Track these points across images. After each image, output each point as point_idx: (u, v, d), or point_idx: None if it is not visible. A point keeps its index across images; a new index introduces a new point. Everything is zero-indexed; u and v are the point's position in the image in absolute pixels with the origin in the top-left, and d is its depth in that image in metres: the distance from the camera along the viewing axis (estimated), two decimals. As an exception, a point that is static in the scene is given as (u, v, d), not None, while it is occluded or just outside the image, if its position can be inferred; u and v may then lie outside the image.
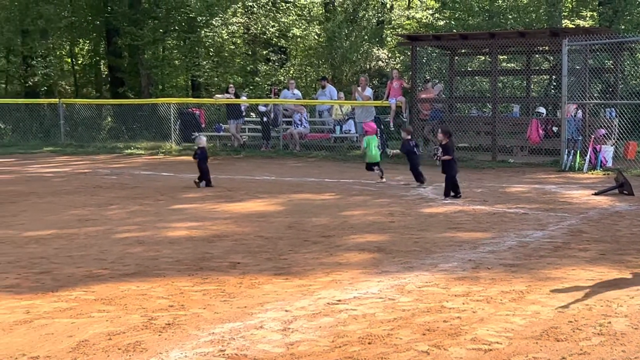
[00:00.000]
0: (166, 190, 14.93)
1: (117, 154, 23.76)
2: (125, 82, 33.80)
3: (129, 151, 23.95)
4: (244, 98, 25.72)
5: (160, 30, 32.02)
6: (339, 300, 6.82)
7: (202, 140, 16.30)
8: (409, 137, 15.94)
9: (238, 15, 30.69)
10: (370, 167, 16.33)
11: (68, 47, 40.28)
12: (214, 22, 30.16)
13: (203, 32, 30.66)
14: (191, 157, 16.12)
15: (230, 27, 30.40)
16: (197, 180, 15.47)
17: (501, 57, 23.76)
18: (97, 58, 40.38)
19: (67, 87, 40.50)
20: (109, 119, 29.05)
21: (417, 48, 21.48)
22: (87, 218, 11.77)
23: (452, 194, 13.69)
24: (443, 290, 7.19)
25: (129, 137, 26.51)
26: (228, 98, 24.63)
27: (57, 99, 28.30)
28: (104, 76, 41.18)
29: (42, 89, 35.19)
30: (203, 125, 25.95)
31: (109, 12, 33.64)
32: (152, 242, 9.74)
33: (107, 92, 38.14)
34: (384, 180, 16.21)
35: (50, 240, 9.93)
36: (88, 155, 23.59)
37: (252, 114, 26.25)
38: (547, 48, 21.83)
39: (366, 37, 30.32)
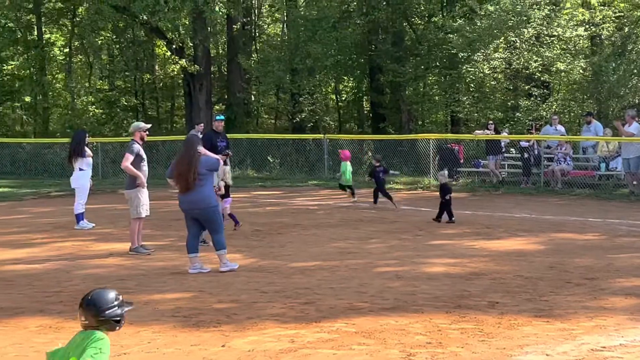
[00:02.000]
0: (424, 226, 15.04)
1: (377, 188, 24.23)
2: (387, 118, 34.44)
3: (388, 186, 24.32)
4: (504, 134, 25.37)
5: (422, 67, 32.40)
6: (604, 347, 6.53)
7: (439, 175, 16.49)
8: (378, 164, 18.95)
9: (500, 50, 30.40)
10: (342, 187, 19.83)
11: (333, 85, 41.78)
12: (475, 57, 30.07)
13: (464, 67, 30.65)
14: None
15: (492, 62, 30.17)
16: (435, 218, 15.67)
17: None
18: (360, 95, 41.51)
19: (331, 123, 41.95)
20: (370, 154, 29.70)
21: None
22: (348, 251, 12.11)
23: None
24: None
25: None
26: (488, 134, 24.42)
27: (322, 135, 29.36)
28: (365, 112, 42.27)
29: (308, 125, 36.69)
30: (461, 161, 25.87)
31: (373, 50, 34.52)
32: (410, 277, 9.84)
33: (369, 127, 39.05)
34: (355, 199, 19.51)
35: (313, 272, 10.32)
36: (350, 189, 24.25)
37: (512, 149, 25.83)
38: None
39: (635, 70, 28.93)
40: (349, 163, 19.96)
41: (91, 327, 4.37)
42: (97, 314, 4.35)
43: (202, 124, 19.99)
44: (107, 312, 4.37)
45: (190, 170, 10.22)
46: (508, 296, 8.64)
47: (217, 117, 16.98)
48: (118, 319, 4.42)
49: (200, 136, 18.49)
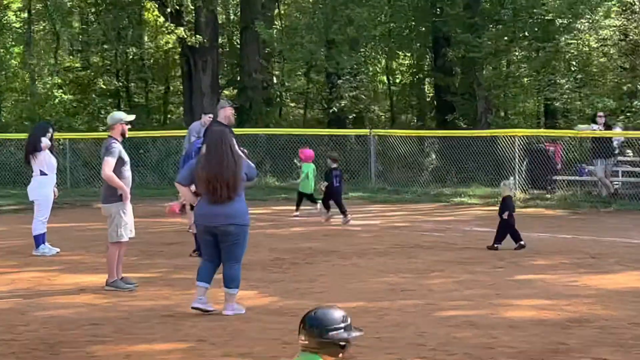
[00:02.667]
0: (506, 254, 14.94)
1: (443, 202, 24.13)
2: (456, 108, 34.21)
3: (459, 199, 24.24)
4: (618, 130, 25.19)
5: (505, 38, 32.20)
6: None
7: (502, 185, 16.34)
8: (335, 165, 20.17)
9: (612, 15, 30.22)
10: (311, 198, 21.20)
11: (384, 62, 41.66)
12: (578, 25, 29.90)
13: (563, 39, 30.45)
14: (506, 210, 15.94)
15: (600, 32, 29.99)
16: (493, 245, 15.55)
17: None
18: (421, 75, 41.35)
19: (380, 114, 41.83)
20: (433, 156, 29.58)
21: None
22: (401, 288, 12.07)
23: None
24: None
25: (459, 180, 26.82)
26: (595, 130, 24.25)
27: (368, 129, 29.31)
28: (428, 99, 42.12)
29: (350, 116, 36.57)
30: (559, 166, 25.71)
31: (438, 15, 34.37)
32: (486, 324, 9.78)
33: (432, 120, 38.91)
34: (297, 214, 20.96)
35: (354, 316, 10.16)
36: (405, 203, 24.12)
37: (628, 151, 25.62)
38: None
39: None
40: (312, 165, 21.06)
41: (311, 349, 4.97)
42: (320, 335, 4.94)
43: (211, 115, 19.68)
44: (331, 333, 4.93)
45: (235, 173, 10.20)
46: (620, 351, 8.56)
47: (226, 104, 16.77)
48: (343, 343, 4.95)
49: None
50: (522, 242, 15.41)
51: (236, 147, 10.64)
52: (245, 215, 10.46)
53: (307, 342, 4.94)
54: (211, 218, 10.31)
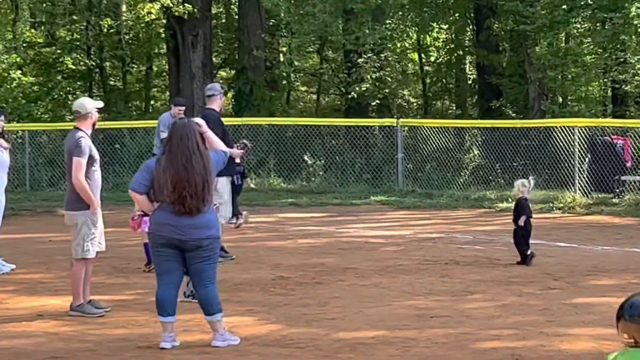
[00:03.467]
0: (562, 272, 14.89)
1: (486, 208, 24.04)
2: (503, 92, 34.17)
3: (505, 205, 24.13)
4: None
5: (563, 7, 32.10)
6: None
7: (521, 185, 16.26)
8: (237, 160, 19.20)
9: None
10: None
11: (414, 37, 41.62)
12: (652, -10, 29.83)
13: (634, 8, 30.37)
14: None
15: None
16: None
17: None
18: (460, 53, 41.29)
19: (411, 100, 41.82)
20: (475, 152, 29.49)
21: None
22: (432, 313, 12.03)
23: None
24: None
25: (506, 181, 26.71)
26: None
27: (395, 119, 29.23)
28: (469, 82, 42.06)
29: (373, 103, 36.49)
30: (628, 164, 25.59)
31: (481, -21, 34.46)
32: (537, 357, 9.74)
33: (474, 107, 38.87)
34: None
35: (373, 348, 10.24)
36: (439, 209, 24.06)
37: None
38: None
39: None
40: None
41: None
42: None
43: (182, 107, 19.04)
44: None
45: (205, 178, 10.00)
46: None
47: (221, 89, 16.76)
48: None
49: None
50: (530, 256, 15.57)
51: (215, 140, 10.56)
52: (215, 225, 10.44)
53: (632, 339, 5.04)
54: (178, 229, 10.08)
